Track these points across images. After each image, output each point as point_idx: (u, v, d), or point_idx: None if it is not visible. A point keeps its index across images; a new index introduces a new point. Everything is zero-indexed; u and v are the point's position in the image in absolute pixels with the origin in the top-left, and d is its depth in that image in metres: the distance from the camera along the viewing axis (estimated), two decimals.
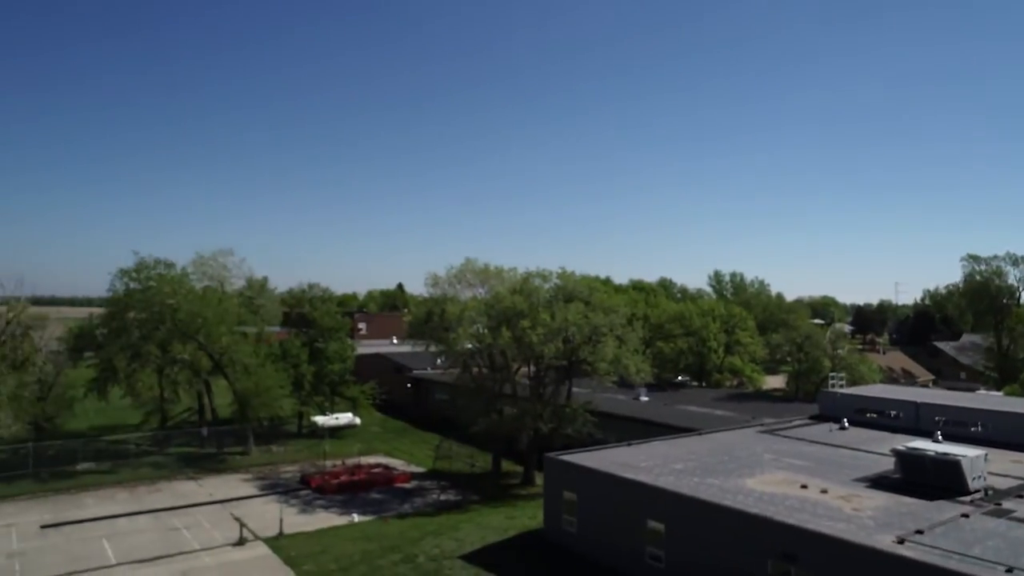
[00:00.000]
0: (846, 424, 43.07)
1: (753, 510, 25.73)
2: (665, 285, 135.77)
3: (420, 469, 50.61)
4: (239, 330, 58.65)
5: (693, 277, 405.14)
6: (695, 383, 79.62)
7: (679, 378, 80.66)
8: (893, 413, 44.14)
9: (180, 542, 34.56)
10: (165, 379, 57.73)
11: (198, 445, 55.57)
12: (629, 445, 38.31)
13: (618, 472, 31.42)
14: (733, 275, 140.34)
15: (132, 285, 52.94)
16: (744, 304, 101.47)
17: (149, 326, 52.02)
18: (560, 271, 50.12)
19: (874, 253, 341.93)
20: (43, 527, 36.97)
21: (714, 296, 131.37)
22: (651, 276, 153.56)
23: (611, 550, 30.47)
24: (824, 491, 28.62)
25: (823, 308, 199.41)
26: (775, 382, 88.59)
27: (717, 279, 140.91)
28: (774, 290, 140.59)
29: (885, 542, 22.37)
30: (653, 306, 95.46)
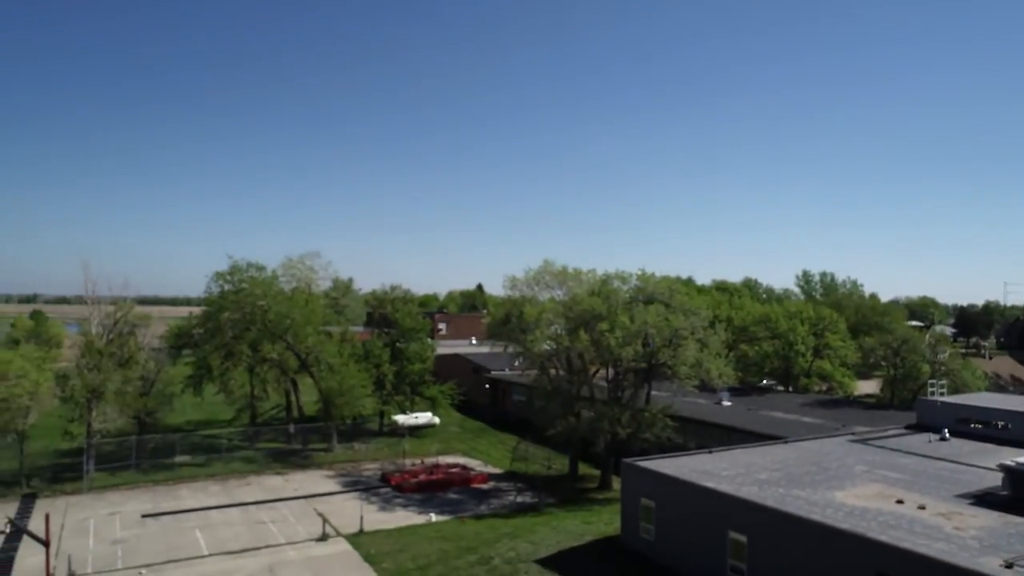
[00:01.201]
0: (947, 435, 40.40)
1: (843, 525, 24.38)
2: (750, 285, 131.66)
3: (497, 470, 50.79)
4: (324, 330, 60.56)
5: (780, 277, 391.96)
6: (781, 388, 76.64)
7: (764, 382, 77.92)
8: (1000, 424, 41.09)
9: (267, 536, 35.90)
10: (255, 377, 60.15)
11: (285, 441, 57.64)
12: (710, 452, 37.21)
13: (698, 480, 30.51)
14: (823, 275, 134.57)
15: (226, 287, 55.63)
16: (834, 305, 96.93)
17: (241, 326, 54.42)
18: (639, 272, 49.35)
19: (979, 251, 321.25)
20: (143, 516, 39.20)
21: (802, 297, 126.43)
22: (735, 276, 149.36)
23: (690, 560, 29.62)
24: (922, 507, 26.88)
25: (921, 309, 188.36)
26: (868, 387, 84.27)
27: (806, 279, 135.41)
28: (867, 290, 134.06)
29: (991, 566, 20.73)
30: (737, 307, 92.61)
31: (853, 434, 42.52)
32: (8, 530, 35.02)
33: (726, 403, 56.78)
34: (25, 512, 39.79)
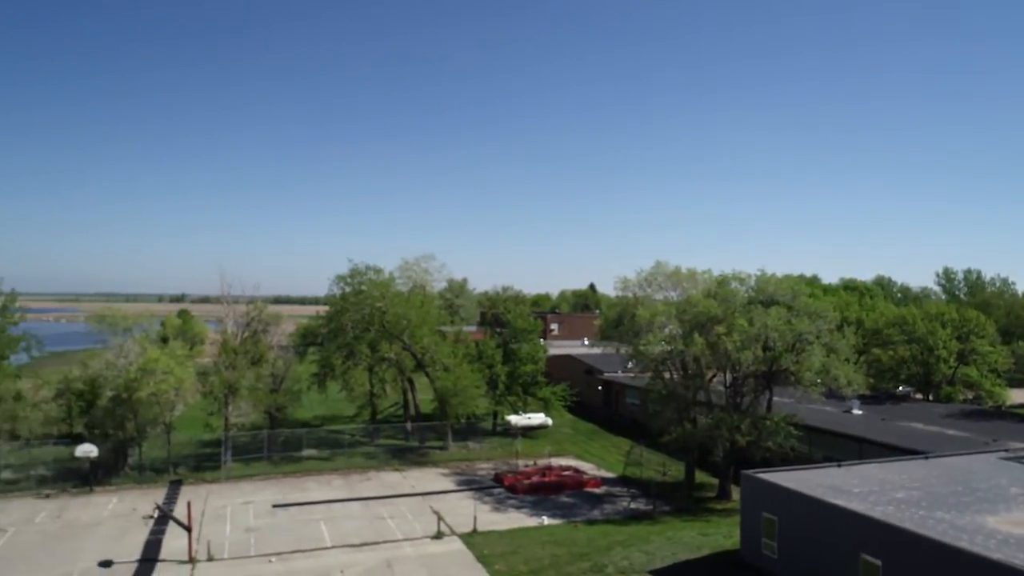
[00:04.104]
0: None
1: (996, 556, 22.03)
2: (882, 284, 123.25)
3: (610, 474, 50.06)
4: (439, 330, 61.99)
5: (917, 274, 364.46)
6: (920, 396, 70.95)
7: (900, 390, 72.40)
8: None
9: (385, 531, 37.09)
10: (374, 376, 62.43)
11: (403, 438, 59.49)
12: (839, 466, 34.87)
13: (826, 497, 28.61)
14: (967, 272, 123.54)
15: (347, 289, 58.11)
16: (981, 306, 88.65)
17: (361, 327, 56.65)
18: (759, 273, 47.11)
19: None
20: (274, 506, 41.58)
21: (944, 297, 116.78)
22: (865, 274, 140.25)
23: None
24: None
25: None
26: (1022, 397, 76.52)
27: (947, 277, 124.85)
28: (1020, 289, 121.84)
29: None
30: (868, 309, 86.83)
31: (1006, 451, 38.58)
32: (156, 515, 38.15)
33: (856, 412, 53.16)
34: (172, 497, 43.26)
